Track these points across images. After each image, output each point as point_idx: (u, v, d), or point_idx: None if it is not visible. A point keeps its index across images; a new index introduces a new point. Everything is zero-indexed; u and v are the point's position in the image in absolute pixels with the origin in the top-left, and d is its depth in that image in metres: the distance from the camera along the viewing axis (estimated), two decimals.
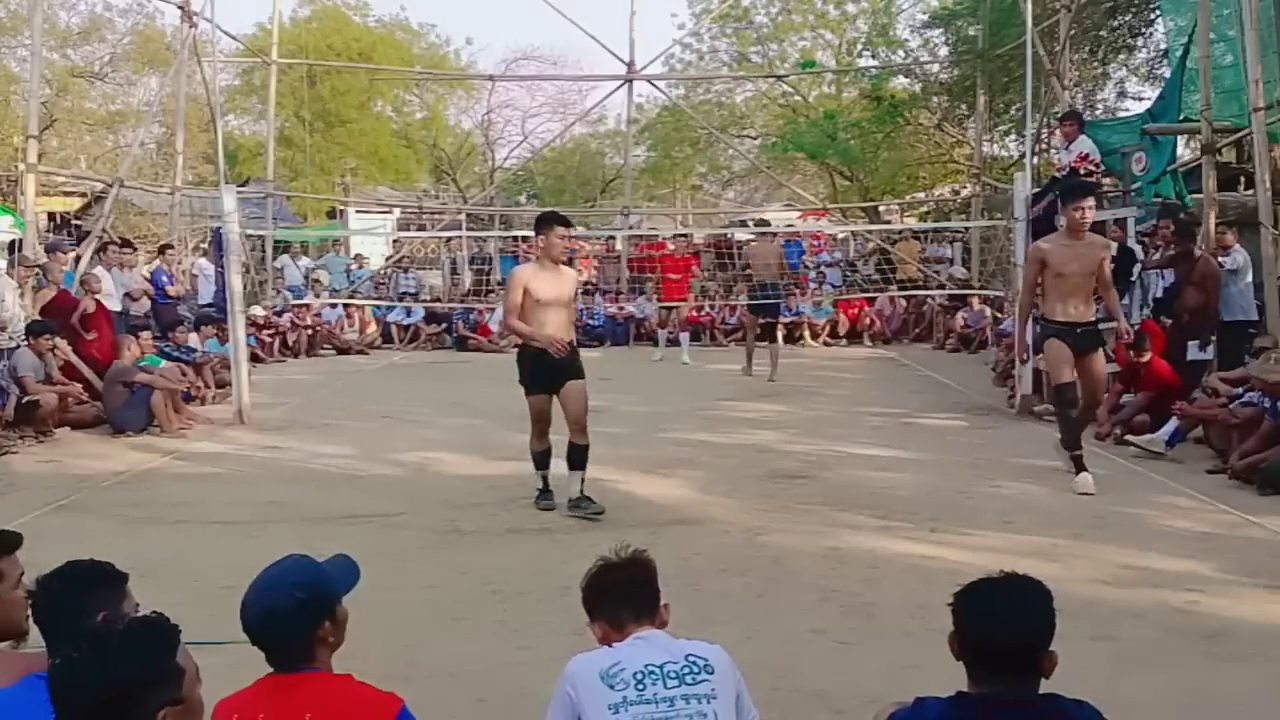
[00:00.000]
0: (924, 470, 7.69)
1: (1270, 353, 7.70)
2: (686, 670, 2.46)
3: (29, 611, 2.47)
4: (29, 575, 2.58)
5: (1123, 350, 9.18)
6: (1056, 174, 10.27)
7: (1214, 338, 9.52)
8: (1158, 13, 18.15)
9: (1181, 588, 4.96)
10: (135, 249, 13.84)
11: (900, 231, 21.16)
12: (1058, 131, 10.98)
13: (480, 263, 20.35)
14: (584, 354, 6.72)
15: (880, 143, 23.23)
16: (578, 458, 6.48)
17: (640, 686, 2.42)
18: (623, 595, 2.66)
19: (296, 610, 2.31)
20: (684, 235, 18.88)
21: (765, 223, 17.49)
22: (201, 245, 17.45)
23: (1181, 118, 11.23)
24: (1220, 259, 9.69)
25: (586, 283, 20.46)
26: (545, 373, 6.43)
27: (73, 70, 25.43)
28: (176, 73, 16.87)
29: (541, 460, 6.68)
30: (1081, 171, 9.87)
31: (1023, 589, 2.27)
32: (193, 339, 12.01)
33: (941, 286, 17.89)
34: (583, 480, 6.51)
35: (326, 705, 2.23)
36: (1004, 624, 2.19)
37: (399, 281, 19.83)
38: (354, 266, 20.38)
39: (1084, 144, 10.05)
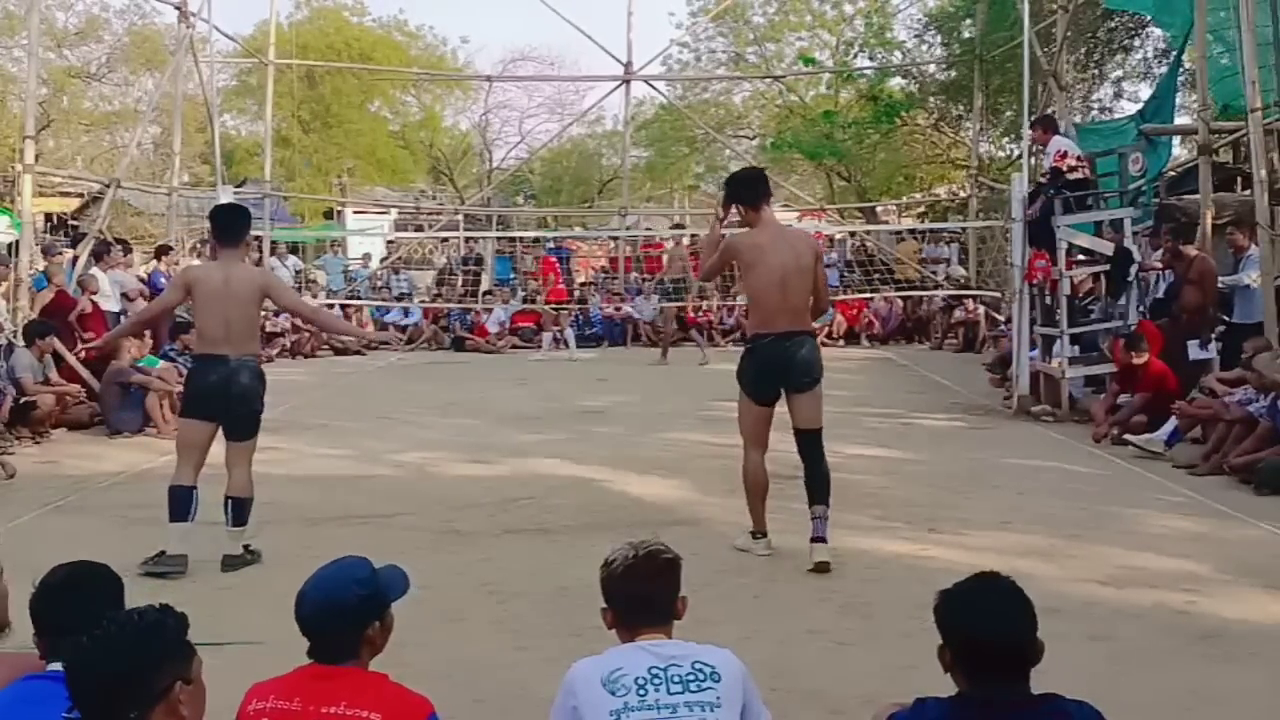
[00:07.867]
0: (922, 470, 7.69)
1: (1271, 352, 7.70)
2: (692, 677, 2.43)
3: (51, 607, 2.46)
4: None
5: (1120, 351, 9.18)
6: (1040, 178, 10.19)
7: (1214, 336, 9.49)
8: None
9: (1180, 588, 4.96)
10: (131, 249, 13.81)
11: (897, 232, 21.14)
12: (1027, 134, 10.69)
13: (475, 263, 20.32)
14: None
15: (877, 143, 23.23)
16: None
17: (642, 692, 2.40)
18: (640, 596, 2.61)
19: (355, 606, 2.41)
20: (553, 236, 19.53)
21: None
22: (198, 246, 17.42)
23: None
24: (1242, 265, 9.56)
25: (584, 284, 20.47)
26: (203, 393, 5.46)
27: (69, 70, 25.43)
28: (173, 73, 16.83)
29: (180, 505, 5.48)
30: (1063, 169, 9.80)
31: (1002, 591, 2.27)
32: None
33: (939, 287, 17.89)
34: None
35: (361, 697, 2.31)
36: (994, 628, 2.19)
37: (391, 282, 19.82)
38: (357, 265, 20.37)
39: (1059, 143, 9.91)
